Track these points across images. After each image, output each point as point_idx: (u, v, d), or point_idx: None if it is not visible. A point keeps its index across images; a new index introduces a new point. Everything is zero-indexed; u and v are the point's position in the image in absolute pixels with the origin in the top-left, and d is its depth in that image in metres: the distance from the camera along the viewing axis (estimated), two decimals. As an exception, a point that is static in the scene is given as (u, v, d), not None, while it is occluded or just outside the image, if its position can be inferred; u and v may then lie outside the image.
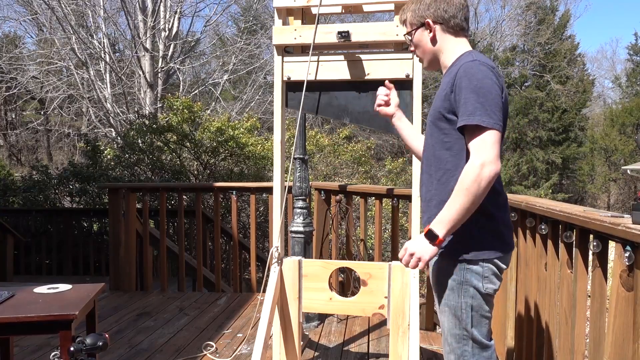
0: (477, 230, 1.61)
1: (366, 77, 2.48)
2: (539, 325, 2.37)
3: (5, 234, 5.95)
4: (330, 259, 4.38)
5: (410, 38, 1.77)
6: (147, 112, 11.23)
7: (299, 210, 3.60)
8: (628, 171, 14.89)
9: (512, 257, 2.58)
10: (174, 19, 12.06)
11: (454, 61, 1.67)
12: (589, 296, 1.91)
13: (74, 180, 7.84)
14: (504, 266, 1.66)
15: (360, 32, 2.43)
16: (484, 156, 1.50)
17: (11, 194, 7.84)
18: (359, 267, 2.58)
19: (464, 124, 1.54)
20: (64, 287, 2.26)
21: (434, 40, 1.71)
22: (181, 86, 13.62)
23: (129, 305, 4.24)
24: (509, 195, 2.34)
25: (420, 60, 1.82)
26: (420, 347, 2.86)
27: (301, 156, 3.56)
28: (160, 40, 11.82)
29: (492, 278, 1.64)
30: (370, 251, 6.30)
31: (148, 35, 11.39)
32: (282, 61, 2.56)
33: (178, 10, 12.17)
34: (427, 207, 1.73)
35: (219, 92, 13.55)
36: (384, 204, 4.28)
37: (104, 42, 11.52)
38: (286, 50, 2.60)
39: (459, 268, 1.63)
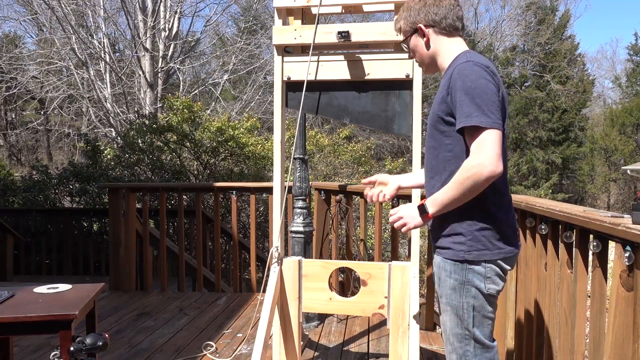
0: (479, 230, 1.61)
1: (366, 77, 2.48)
2: (539, 325, 2.36)
3: (5, 233, 5.95)
4: (330, 259, 4.38)
5: (406, 45, 1.79)
6: (147, 112, 11.23)
7: (299, 210, 3.60)
8: (628, 171, 14.90)
9: (512, 257, 2.58)
10: (174, 19, 12.06)
11: (450, 62, 1.67)
12: (589, 296, 1.91)
13: (74, 180, 7.85)
14: (507, 267, 1.66)
15: (360, 32, 2.43)
16: (483, 157, 1.50)
17: (11, 194, 7.84)
18: (359, 267, 2.57)
19: (462, 126, 1.54)
20: (63, 287, 2.26)
21: (428, 44, 1.73)
22: (181, 86, 13.62)
23: (129, 305, 4.24)
24: (509, 195, 2.34)
25: (420, 66, 1.83)
26: (420, 347, 2.86)
27: (301, 156, 3.56)
28: (160, 40, 11.83)
29: (494, 279, 1.64)
30: (370, 251, 6.30)
31: (148, 35, 11.39)
32: (282, 61, 2.56)
33: (178, 10, 12.17)
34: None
35: (219, 92, 13.55)
36: (384, 204, 4.28)
37: (104, 42, 11.52)
38: (286, 50, 2.60)
39: (461, 268, 1.64)
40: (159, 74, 11.87)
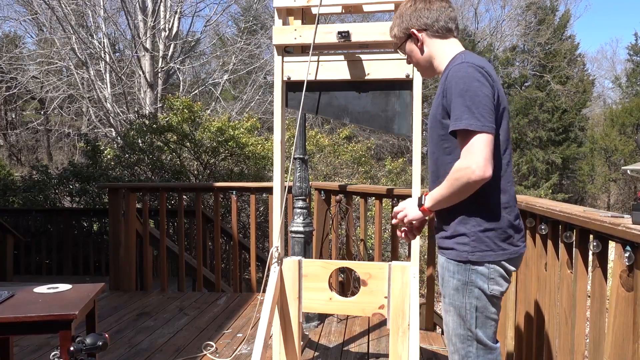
0: (483, 231, 1.61)
1: (366, 77, 2.48)
2: (539, 325, 2.36)
3: (5, 233, 5.95)
4: (330, 259, 4.38)
5: (403, 52, 1.80)
6: (147, 112, 11.23)
7: (299, 210, 3.60)
8: (628, 171, 14.90)
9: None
10: (174, 19, 12.06)
11: (446, 64, 1.67)
12: (589, 296, 1.91)
13: (74, 180, 7.85)
14: (512, 268, 1.66)
15: (360, 32, 2.43)
16: (470, 161, 1.50)
17: (11, 194, 7.84)
18: (359, 267, 2.57)
19: (452, 129, 1.55)
20: (63, 287, 2.26)
21: (422, 48, 1.73)
22: (181, 86, 13.63)
23: (129, 305, 4.24)
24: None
25: (418, 70, 1.83)
26: (420, 347, 2.87)
27: (301, 156, 3.56)
28: (160, 40, 11.83)
29: (498, 280, 1.63)
30: (370, 251, 6.30)
31: (148, 35, 11.40)
32: (282, 61, 2.56)
33: (178, 10, 12.18)
34: (438, 214, 1.73)
35: (219, 92, 13.55)
36: (384, 204, 4.28)
37: (104, 42, 11.53)
38: (286, 50, 2.60)
39: (464, 268, 1.63)
40: (159, 74, 11.88)
